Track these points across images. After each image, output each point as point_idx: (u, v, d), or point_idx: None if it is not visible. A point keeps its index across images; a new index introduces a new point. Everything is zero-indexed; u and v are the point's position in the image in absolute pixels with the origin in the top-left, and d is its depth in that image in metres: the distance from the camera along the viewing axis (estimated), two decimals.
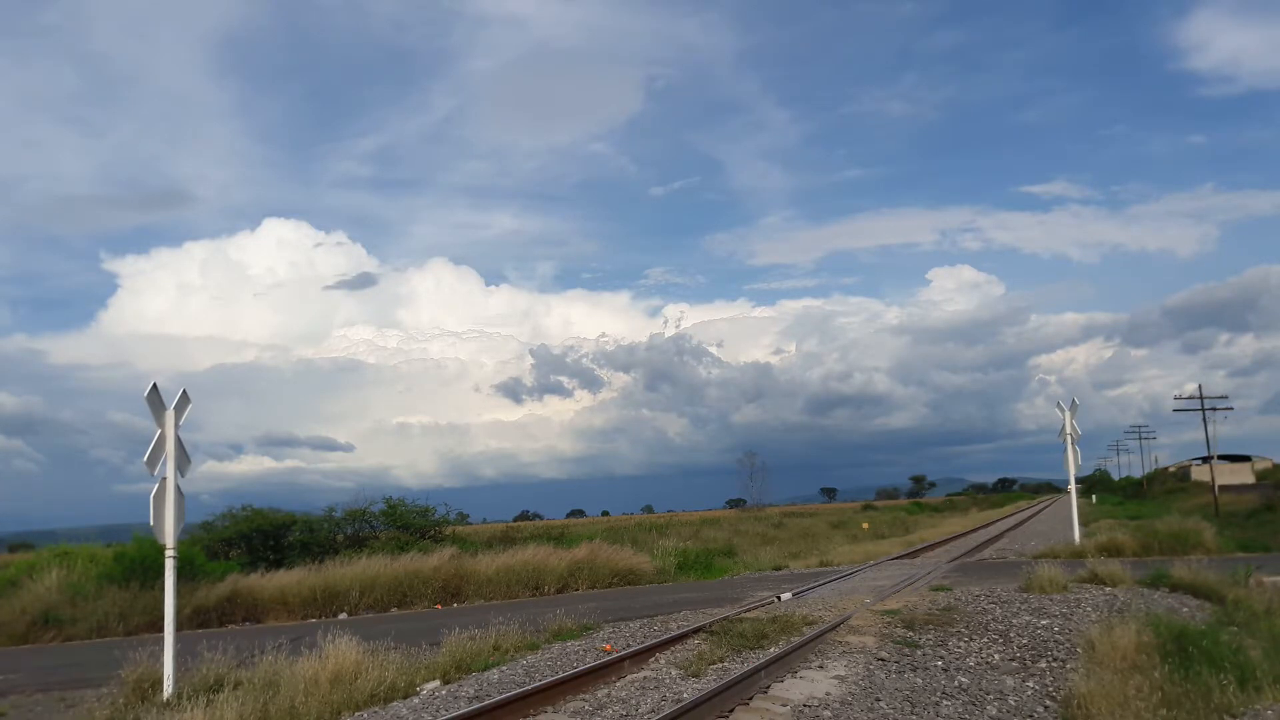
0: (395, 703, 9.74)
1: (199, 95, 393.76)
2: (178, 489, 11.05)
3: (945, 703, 8.62)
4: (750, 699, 8.78)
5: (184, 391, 11.27)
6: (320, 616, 20.38)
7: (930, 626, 12.16)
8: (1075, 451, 23.54)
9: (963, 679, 9.59)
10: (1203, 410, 51.17)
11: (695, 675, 10.10)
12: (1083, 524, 26.46)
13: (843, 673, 9.79)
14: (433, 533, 29.51)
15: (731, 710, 8.42)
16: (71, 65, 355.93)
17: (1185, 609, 13.20)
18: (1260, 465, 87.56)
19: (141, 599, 18.98)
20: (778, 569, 26.85)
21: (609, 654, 11.35)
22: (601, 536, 30.78)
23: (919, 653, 10.80)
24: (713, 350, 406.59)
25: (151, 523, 10.93)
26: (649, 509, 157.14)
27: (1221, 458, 66.27)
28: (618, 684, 9.87)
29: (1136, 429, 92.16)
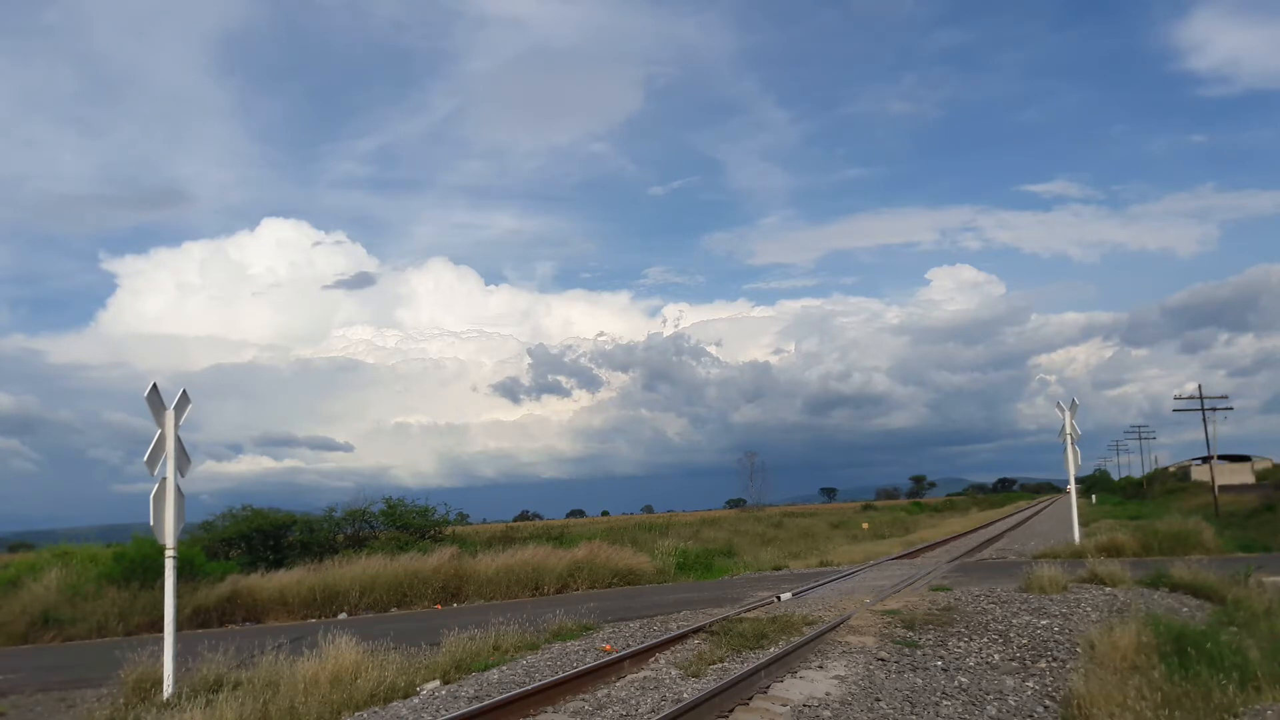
0: (395, 703, 9.74)
1: (199, 95, 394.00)
2: (178, 489, 11.06)
3: (945, 703, 8.63)
4: (750, 699, 8.78)
5: (184, 391, 11.28)
6: (320, 616, 20.38)
7: (930, 626, 12.16)
8: (1075, 451, 23.55)
9: (963, 679, 9.60)
10: (1203, 410, 51.15)
11: (695, 675, 10.10)
12: (1083, 524, 26.46)
13: (843, 673, 9.79)
14: (432, 533, 29.52)
15: (731, 710, 8.42)
16: (71, 65, 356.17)
17: (1185, 609, 13.20)
18: (1260, 465, 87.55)
19: (141, 599, 18.99)
20: (777, 569, 26.85)
21: (609, 654, 11.36)
22: (601, 536, 30.76)
23: (919, 653, 10.81)
24: (712, 350, 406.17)
25: (151, 523, 10.94)
26: (649, 509, 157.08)
27: (1221, 458, 66.31)
28: (618, 684, 9.87)
29: (1136, 429, 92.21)
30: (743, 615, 14.05)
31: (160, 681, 10.67)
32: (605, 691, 9.51)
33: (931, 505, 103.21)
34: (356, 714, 9.38)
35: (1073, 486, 25.50)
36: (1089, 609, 13.03)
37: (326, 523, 28.59)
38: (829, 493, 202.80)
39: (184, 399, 11.26)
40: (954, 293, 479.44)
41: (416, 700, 9.79)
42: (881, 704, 8.52)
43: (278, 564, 24.92)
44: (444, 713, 8.88)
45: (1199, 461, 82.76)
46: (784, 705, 8.55)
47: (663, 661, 11.00)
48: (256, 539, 26.77)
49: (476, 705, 8.79)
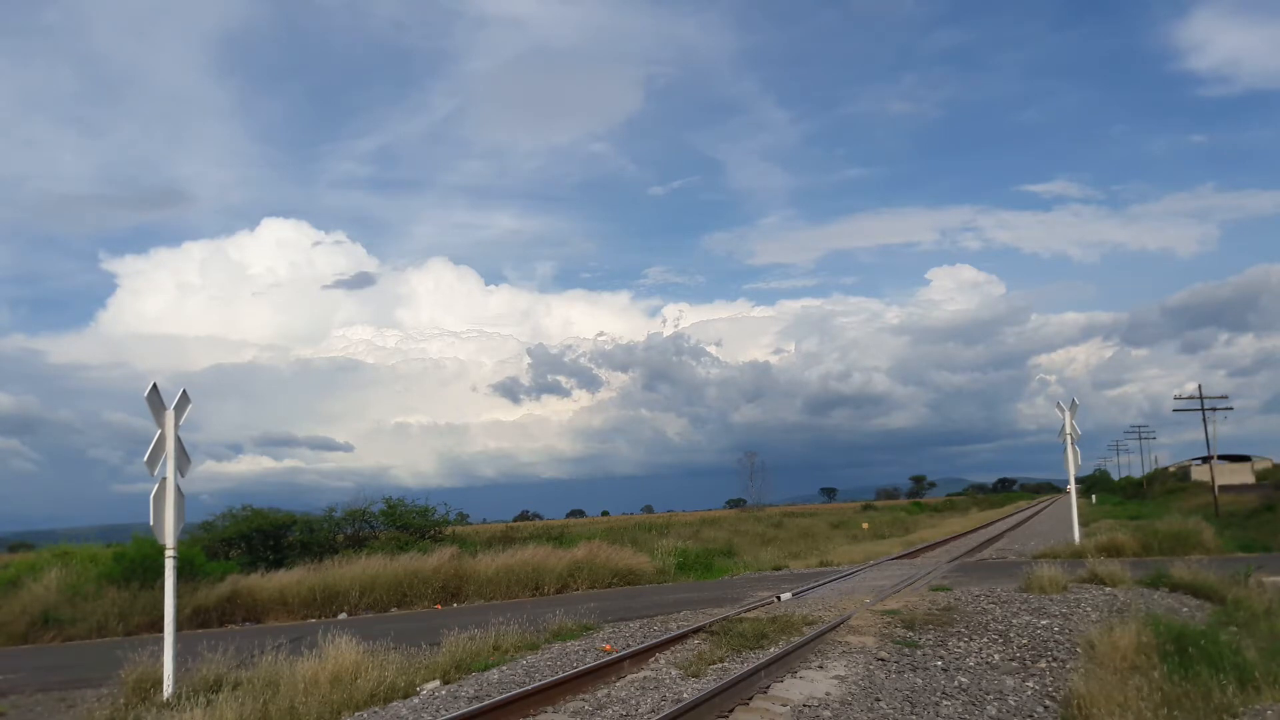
0: (395, 703, 9.74)
1: (199, 95, 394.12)
2: (178, 489, 11.05)
3: (945, 703, 8.63)
4: (750, 699, 8.78)
5: (184, 391, 11.27)
6: (320, 616, 20.38)
7: (930, 626, 12.16)
8: (1075, 451, 23.54)
9: (963, 679, 9.60)
10: (1203, 410, 51.13)
11: (695, 675, 10.10)
12: (1083, 524, 26.46)
13: (843, 673, 9.79)
14: (432, 533, 29.53)
15: (731, 710, 8.42)
16: (71, 65, 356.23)
17: (1185, 609, 13.21)
18: (1260, 465, 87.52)
19: (141, 599, 18.99)
20: (777, 569, 26.85)
21: (609, 654, 11.36)
22: (601, 536, 30.76)
23: (919, 653, 10.81)
24: (711, 350, 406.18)
25: (151, 523, 10.93)
26: (649, 509, 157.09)
27: (1221, 458, 66.27)
28: (618, 684, 9.87)
29: (1136, 429, 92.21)
30: (743, 615, 14.04)
31: (160, 681, 10.67)
32: (605, 691, 9.51)
33: (931, 505, 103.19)
34: (356, 714, 9.38)
35: (1073, 486, 25.50)
36: (1089, 609, 13.03)
37: (326, 523, 28.60)
38: (829, 493, 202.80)
39: (184, 399, 11.26)
40: (954, 293, 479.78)
41: (416, 700, 9.79)
42: (881, 704, 8.51)
43: (278, 564, 24.92)
44: (444, 713, 8.88)
45: (1199, 461, 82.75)
46: (784, 705, 8.55)
47: (663, 661, 11.00)
48: (256, 539, 26.78)
49: (476, 705, 8.79)
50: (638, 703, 8.93)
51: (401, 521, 29.28)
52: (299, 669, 10.31)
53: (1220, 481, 51.53)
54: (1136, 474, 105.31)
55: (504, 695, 9.09)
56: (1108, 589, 14.66)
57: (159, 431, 10.96)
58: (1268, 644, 10.06)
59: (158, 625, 13.60)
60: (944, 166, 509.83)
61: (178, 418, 11.11)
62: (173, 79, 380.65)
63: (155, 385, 11.03)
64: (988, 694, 9.00)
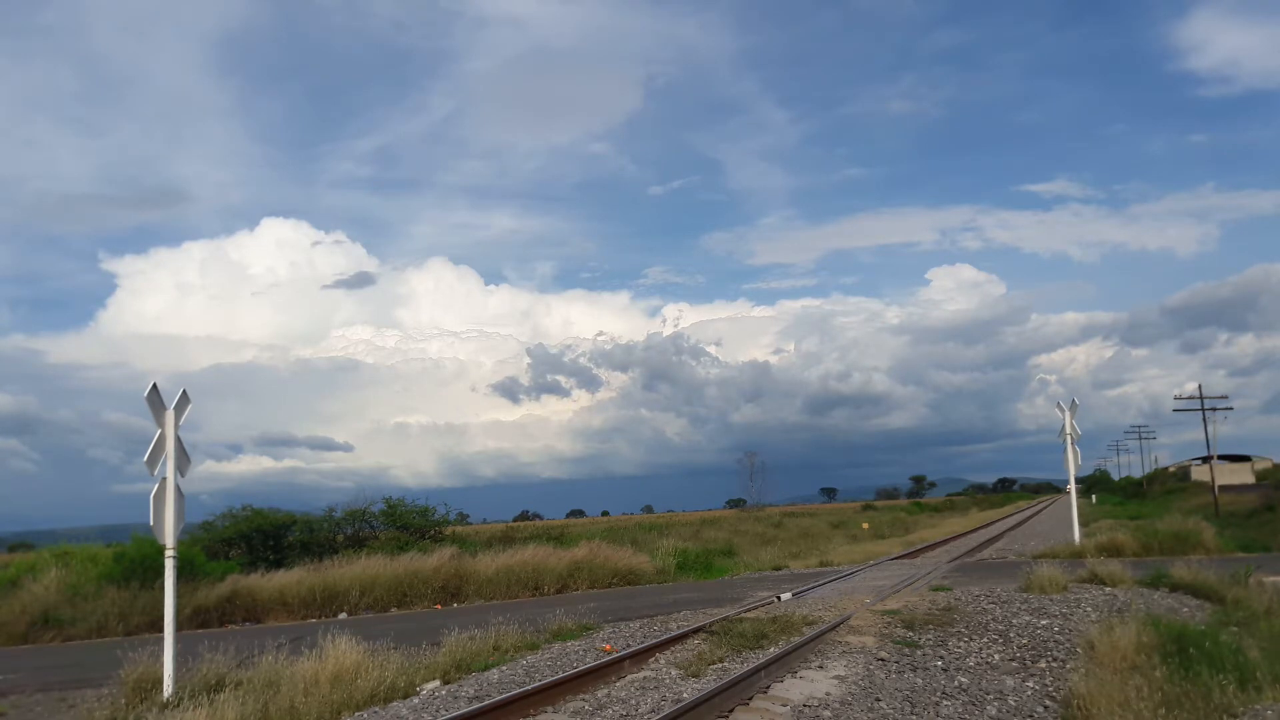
0: (395, 703, 9.75)
1: (198, 95, 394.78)
2: (178, 489, 11.04)
3: (945, 703, 8.62)
4: (750, 699, 8.78)
5: (184, 391, 11.26)
6: (320, 616, 20.37)
7: (930, 626, 12.16)
8: (1075, 451, 23.54)
9: (963, 679, 9.59)
10: (1203, 410, 51.10)
11: (695, 675, 10.10)
12: (1083, 524, 26.45)
13: (843, 673, 9.79)
14: (432, 533, 29.52)
15: (731, 710, 8.42)
16: (71, 65, 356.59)
17: (1185, 609, 13.20)
18: (1260, 465, 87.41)
19: (141, 599, 18.98)
20: (778, 569, 26.84)
21: (609, 654, 11.36)
22: (601, 536, 30.75)
23: (919, 653, 10.80)
24: (711, 350, 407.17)
25: (151, 523, 10.92)
26: (649, 509, 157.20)
27: (1221, 458, 66.21)
28: (618, 684, 9.87)
29: (1136, 429, 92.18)
30: (743, 615, 14.04)
31: (160, 681, 10.67)
32: (605, 691, 9.51)
33: (931, 505, 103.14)
34: (356, 714, 9.38)
35: (1073, 486, 25.49)
36: (1089, 609, 13.02)
37: (326, 523, 28.59)
38: (829, 493, 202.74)
39: (184, 399, 11.25)
40: (954, 293, 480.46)
41: (416, 700, 9.79)
42: (882, 704, 8.51)
43: (278, 564, 24.90)
44: (444, 713, 8.88)
45: (1199, 461, 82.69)
46: (784, 705, 8.55)
47: (663, 661, 11.00)
48: (256, 539, 26.76)
49: (477, 705, 8.79)
50: (638, 703, 8.93)
51: (401, 521, 29.26)
52: (299, 669, 10.32)
53: (1220, 481, 51.47)
54: (1136, 474, 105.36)
55: (504, 695, 9.09)
56: (1108, 589, 14.65)
57: (159, 431, 10.95)
58: (1268, 644, 10.05)
59: (158, 625, 13.59)
60: (944, 166, 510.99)
61: (178, 418, 11.10)
62: (173, 79, 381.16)
63: (155, 385, 11.02)
64: (988, 694, 9.00)
